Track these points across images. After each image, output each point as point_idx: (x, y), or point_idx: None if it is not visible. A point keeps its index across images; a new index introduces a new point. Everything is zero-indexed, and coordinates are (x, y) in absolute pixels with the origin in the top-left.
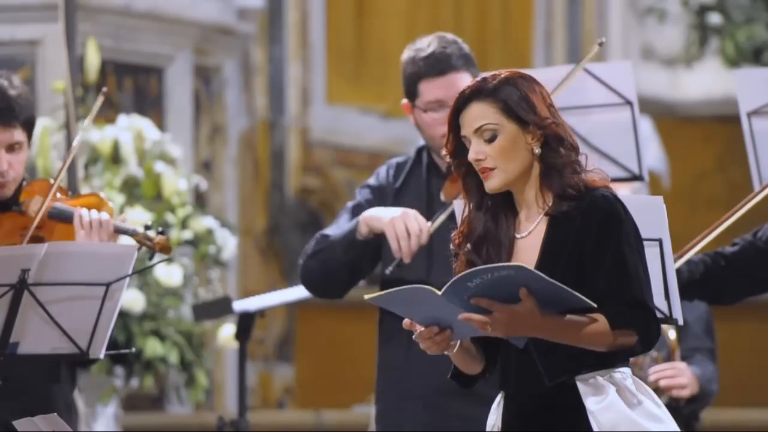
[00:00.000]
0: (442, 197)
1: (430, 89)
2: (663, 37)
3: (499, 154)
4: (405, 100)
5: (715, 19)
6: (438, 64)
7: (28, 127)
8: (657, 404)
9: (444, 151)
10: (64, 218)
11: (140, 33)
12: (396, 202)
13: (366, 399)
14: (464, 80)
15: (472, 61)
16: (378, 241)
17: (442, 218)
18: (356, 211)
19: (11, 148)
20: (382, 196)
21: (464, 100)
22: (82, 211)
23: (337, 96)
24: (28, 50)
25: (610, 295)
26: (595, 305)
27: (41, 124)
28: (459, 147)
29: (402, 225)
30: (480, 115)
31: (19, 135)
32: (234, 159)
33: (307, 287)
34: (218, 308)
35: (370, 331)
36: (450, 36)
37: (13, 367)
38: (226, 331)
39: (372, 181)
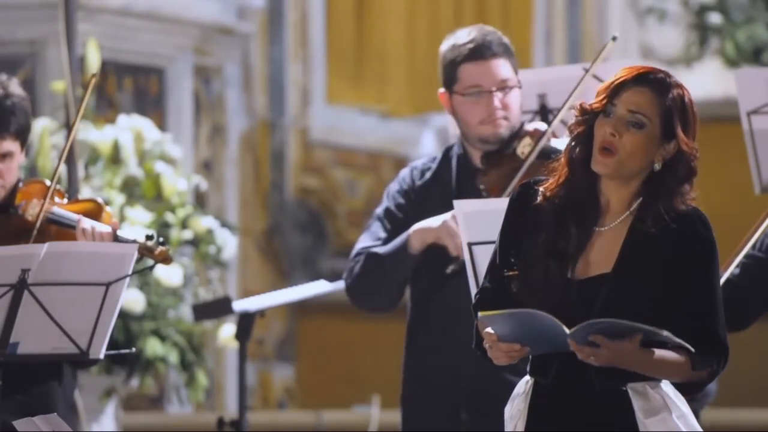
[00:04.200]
0: (482, 189)
1: (470, 74)
2: (663, 37)
3: (630, 145)
4: (442, 90)
5: (715, 19)
6: (479, 49)
7: (21, 135)
8: (691, 413)
9: (593, 104)
10: (63, 225)
11: (140, 33)
12: (421, 201)
13: (366, 399)
14: (504, 67)
15: (511, 51)
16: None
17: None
18: (388, 216)
19: (2, 157)
20: (409, 198)
21: (641, 78)
22: (84, 223)
23: (337, 96)
24: (28, 50)
25: (694, 325)
26: (692, 349)
27: (41, 124)
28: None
29: (454, 223)
30: (643, 101)
31: (9, 145)
32: (234, 159)
33: (359, 304)
34: (218, 308)
35: (370, 331)
36: (489, 27)
37: (13, 367)
38: (226, 331)
39: (396, 186)
